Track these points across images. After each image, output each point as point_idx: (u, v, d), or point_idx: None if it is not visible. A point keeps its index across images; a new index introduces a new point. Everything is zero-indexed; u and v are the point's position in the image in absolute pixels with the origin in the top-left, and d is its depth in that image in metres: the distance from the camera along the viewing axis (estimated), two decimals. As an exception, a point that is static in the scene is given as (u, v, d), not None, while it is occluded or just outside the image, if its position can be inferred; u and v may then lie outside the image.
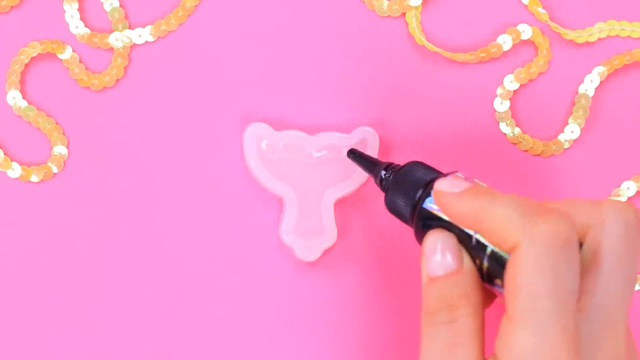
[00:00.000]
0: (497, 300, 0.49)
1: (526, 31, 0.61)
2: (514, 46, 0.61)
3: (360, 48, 0.61)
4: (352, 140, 0.59)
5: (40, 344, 0.58)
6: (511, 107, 0.61)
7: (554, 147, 0.61)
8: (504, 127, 0.61)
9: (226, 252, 0.59)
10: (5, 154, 0.59)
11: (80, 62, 0.60)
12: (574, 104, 0.61)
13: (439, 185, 0.48)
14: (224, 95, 0.60)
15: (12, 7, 0.60)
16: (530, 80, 0.61)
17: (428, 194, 0.49)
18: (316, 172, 0.59)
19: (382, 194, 0.52)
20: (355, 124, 0.59)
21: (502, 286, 0.45)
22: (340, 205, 0.59)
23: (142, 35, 0.60)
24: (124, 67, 0.60)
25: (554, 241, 0.43)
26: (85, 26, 0.60)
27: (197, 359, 0.58)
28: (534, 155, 0.61)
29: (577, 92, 0.61)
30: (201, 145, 0.60)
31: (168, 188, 0.59)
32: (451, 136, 0.60)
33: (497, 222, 0.44)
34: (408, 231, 0.50)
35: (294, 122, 0.60)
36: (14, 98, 0.59)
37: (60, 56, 0.60)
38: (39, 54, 0.60)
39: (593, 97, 0.61)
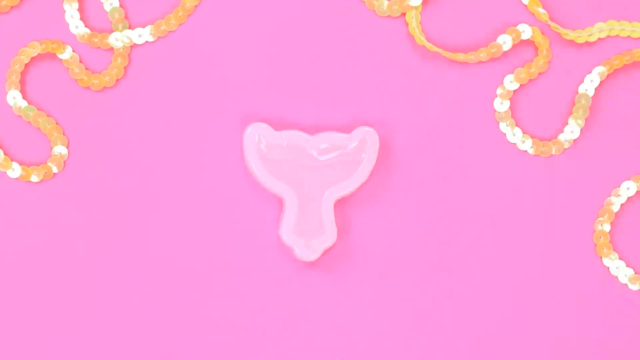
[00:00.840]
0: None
1: (526, 31, 0.61)
2: (514, 46, 0.61)
3: (360, 48, 0.61)
4: (352, 140, 0.59)
5: (41, 344, 0.58)
6: (511, 107, 0.61)
7: (554, 147, 0.61)
8: (504, 127, 0.61)
9: (226, 252, 0.59)
10: (5, 154, 0.59)
11: (80, 62, 0.60)
12: (574, 104, 0.61)
13: None
14: (224, 95, 0.60)
15: (12, 7, 0.60)
16: (530, 80, 0.61)
17: None
18: (316, 172, 0.59)
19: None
20: (355, 124, 0.59)
21: None
22: (340, 205, 0.59)
23: (142, 35, 0.60)
24: (124, 67, 0.60)
25: None
26: (85, 26, 0.60)
27: (197, 359, 0.58)
28: (534, 155, 0.61)
29: (577, 92, 0.61)
30: (201, 146, 0.60)
31: (168, 188, 0.59)
32: (451, 136, 0.60)
33: None
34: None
35: (294, 122, 0.60)
36: (14, 98, 0.59)
37: (60, 56, 0.60)
38: (39, 54, 0.60)
39: (593, 97, 0.61)
